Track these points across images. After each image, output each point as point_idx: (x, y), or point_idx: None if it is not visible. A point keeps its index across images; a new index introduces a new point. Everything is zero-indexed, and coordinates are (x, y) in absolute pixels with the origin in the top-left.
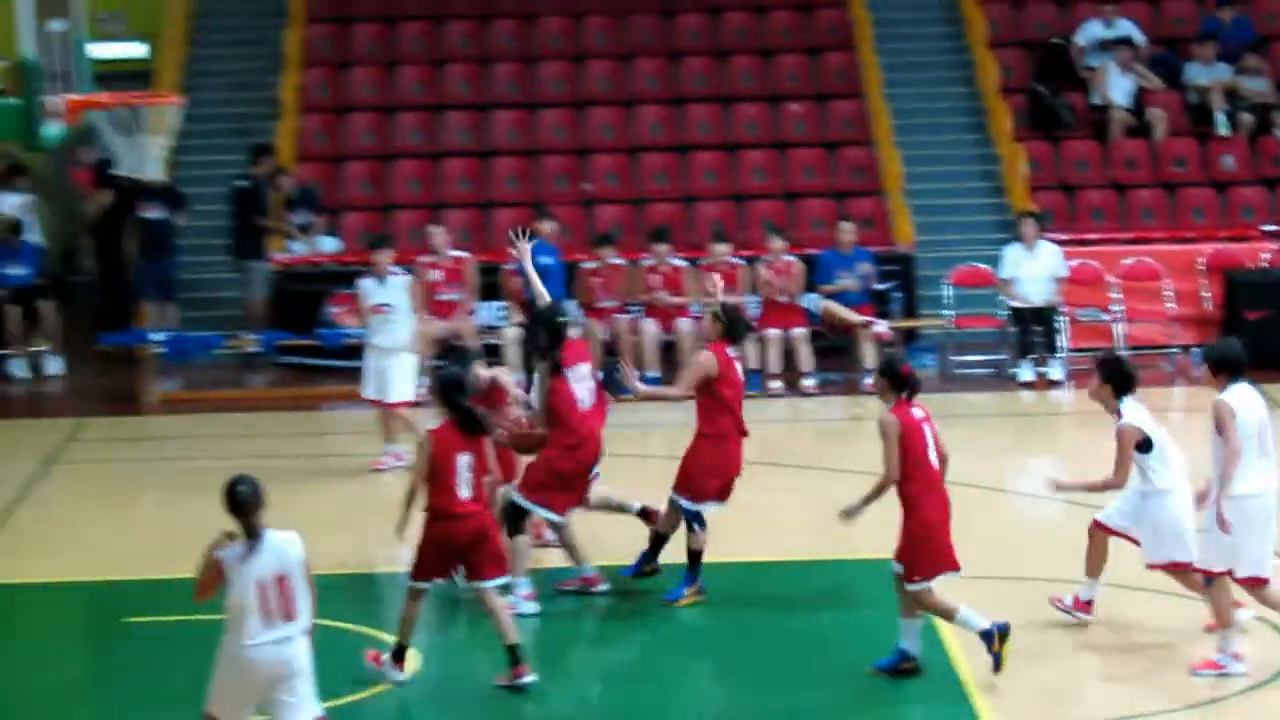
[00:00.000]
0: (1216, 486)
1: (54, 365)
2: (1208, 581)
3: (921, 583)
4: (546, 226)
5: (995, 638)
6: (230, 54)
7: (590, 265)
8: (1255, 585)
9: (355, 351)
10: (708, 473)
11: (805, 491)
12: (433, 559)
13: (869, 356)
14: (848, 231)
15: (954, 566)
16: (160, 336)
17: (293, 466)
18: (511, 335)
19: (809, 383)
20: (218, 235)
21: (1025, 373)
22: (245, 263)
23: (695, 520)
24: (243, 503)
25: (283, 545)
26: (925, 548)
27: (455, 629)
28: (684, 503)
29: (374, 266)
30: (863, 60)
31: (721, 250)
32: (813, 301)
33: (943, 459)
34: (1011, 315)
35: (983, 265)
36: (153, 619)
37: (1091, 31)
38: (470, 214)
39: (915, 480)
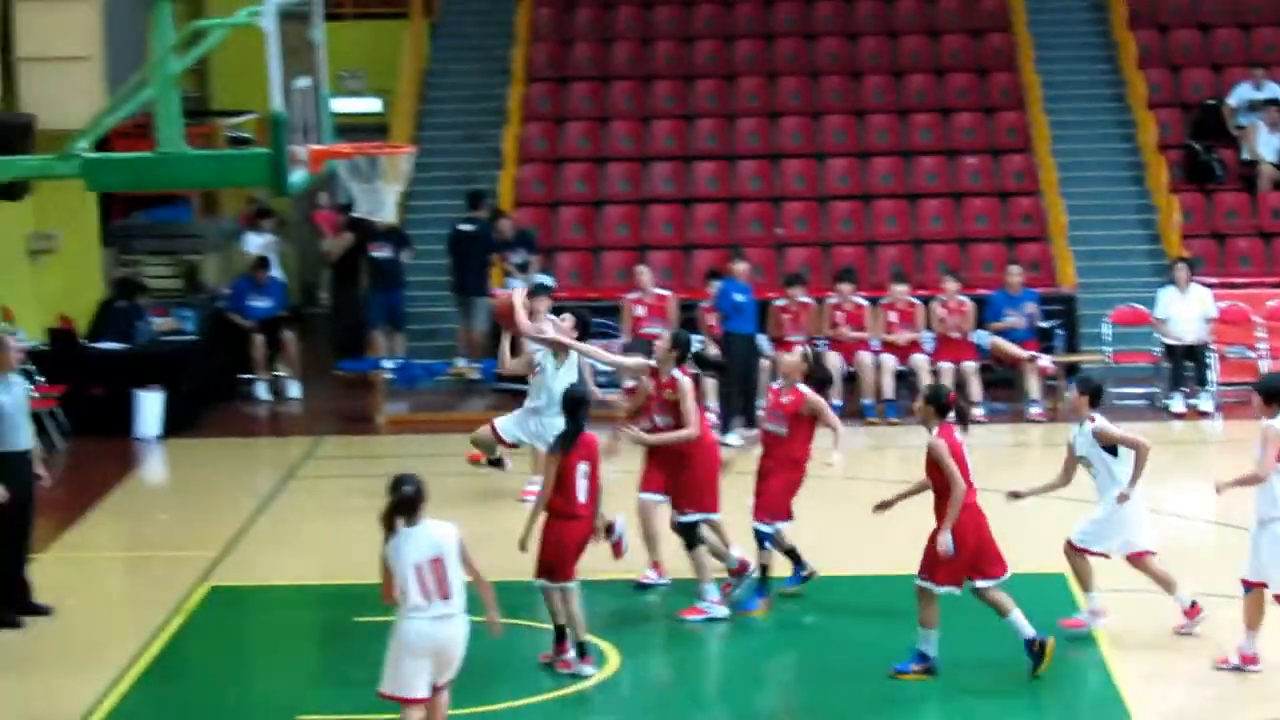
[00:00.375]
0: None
1: (293, 389)
2: (1248, 589)
3: (931, 585)
4: (741, 266)
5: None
6: (457, 109)
7: (781, 303)
8: None
9: None
10: (788, 495)
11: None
12: (557, 557)
13: (1034, 389)
14: (1016, 274)
15: (997, 573)
16: (390, 364)
17: (505, 485)
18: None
19: (978, 412)
20: (442, 272)
21: (1177, 404)
22: (468, 298)
23: (767, 540)
24: (403, 498)
25: (439, 532)
26: (951, 558)
27: (654, 628)
28: (764, 528)
29: (532, 314)
30: (1033, 119)
31: (900, 290)
32: (982, 337)
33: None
34: (1165, 351)
35: (1139, 306)
36: (380, 619)
37: (1242, 94)
38: (672, 255)
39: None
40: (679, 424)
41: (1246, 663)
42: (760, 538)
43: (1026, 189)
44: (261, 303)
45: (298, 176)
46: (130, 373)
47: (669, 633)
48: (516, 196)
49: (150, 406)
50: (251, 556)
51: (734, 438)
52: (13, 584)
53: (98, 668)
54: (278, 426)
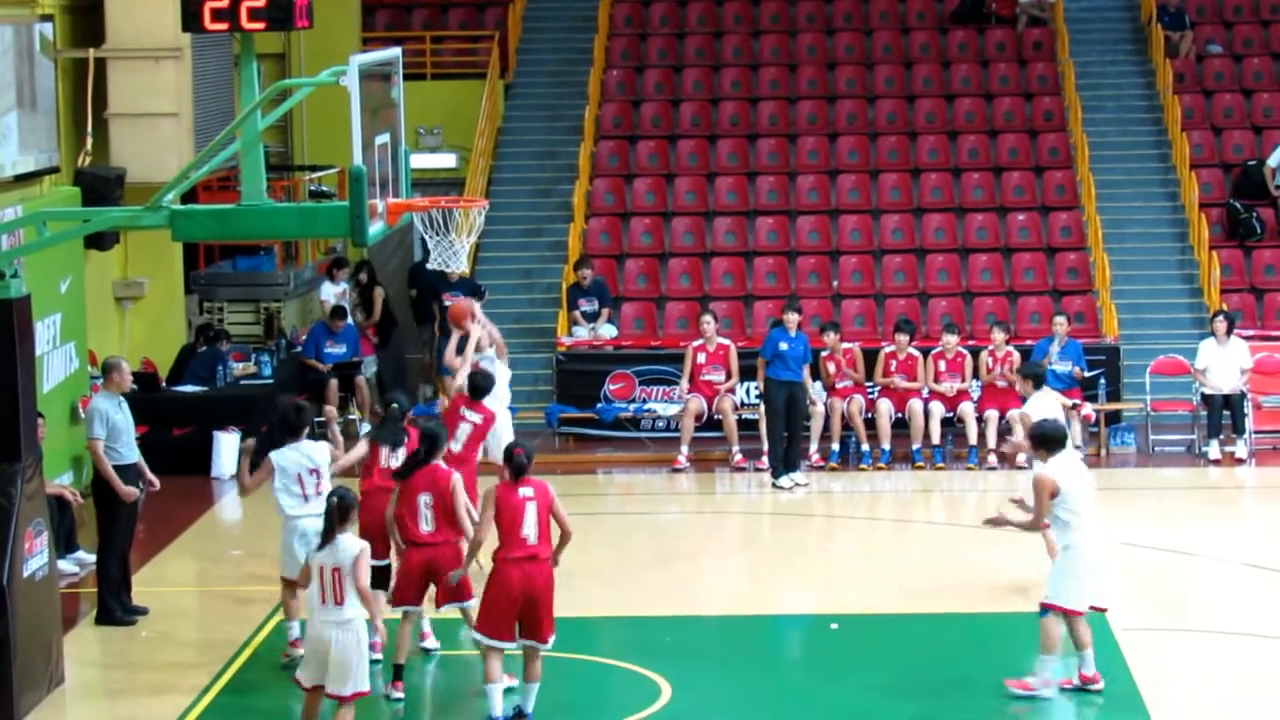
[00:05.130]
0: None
1: (365, 430)
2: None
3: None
4: (792, 317)
5: None
6: (529, 165)
7: (826, 352)
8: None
9: (628, 424)
10: None
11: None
12: (398, 582)
13: (1076, 435)
14: (1061, 325)
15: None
16: None
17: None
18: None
19: (1022, 458)
20: (510, 320)
21: (1214, 451)
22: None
23: None
24: (332, 511)
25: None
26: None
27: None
28: None
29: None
30: (1080, 176)
31: (950, 340)
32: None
33: None
34: (1203, 400)
35: (1180, 356)
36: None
37: None
38: (733, 305)
39: None
40: None
41: (1086, 682)
42: None
43: (1073, 244)
44: (336, 349)
45: (376, 228)
46: (209, 415)
47: (720, 666)
48: (584, 248)
49: (228, 447)
50: None
51: (785, 480)
52: (123, 584)
53: (171, 697)
54: (349, 466)
